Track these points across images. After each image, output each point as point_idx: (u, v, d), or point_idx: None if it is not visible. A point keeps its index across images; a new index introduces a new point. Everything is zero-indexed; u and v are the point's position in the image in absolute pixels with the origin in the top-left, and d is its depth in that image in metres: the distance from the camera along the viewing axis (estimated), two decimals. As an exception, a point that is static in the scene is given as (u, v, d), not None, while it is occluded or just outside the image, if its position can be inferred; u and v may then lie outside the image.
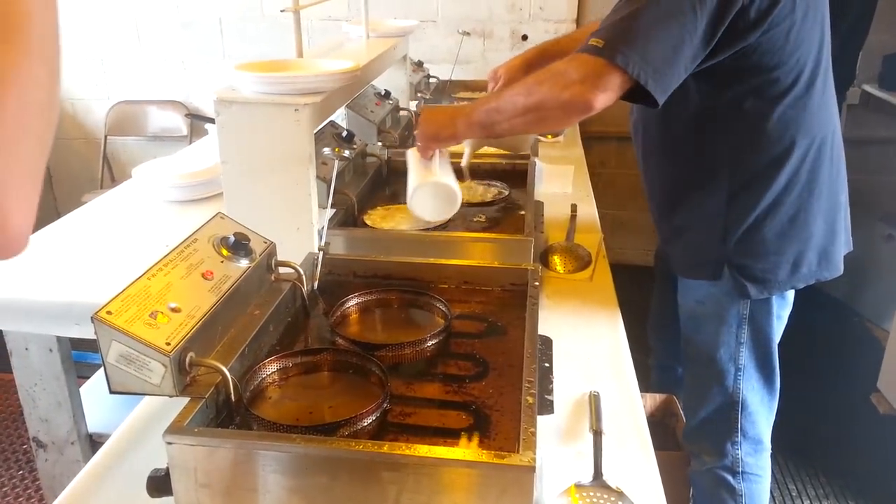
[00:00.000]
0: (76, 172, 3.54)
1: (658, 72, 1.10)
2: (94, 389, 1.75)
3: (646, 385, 1.55)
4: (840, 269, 1.36)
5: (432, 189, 1.30)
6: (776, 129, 1.23)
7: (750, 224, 1.28)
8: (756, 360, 1.38)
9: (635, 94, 1.12)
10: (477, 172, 1.70)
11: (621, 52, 1.09)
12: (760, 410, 1.42)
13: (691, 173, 1.34)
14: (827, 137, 1.29)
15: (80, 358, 1.66)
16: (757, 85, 1.22)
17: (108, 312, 0.75)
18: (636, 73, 1.08)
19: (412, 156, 1.37)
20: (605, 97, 1.11)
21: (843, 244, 1.37)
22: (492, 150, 2.02)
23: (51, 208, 3.57)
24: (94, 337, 0.76)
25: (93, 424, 1.57)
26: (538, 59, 1.69)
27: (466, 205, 1.54)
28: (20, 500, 2.07)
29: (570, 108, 1.13)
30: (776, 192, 1.26)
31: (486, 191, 1.64)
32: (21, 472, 2.16)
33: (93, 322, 0.74)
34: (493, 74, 1.72)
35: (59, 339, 1.45)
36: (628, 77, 1.09)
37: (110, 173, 3.44)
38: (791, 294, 1.37)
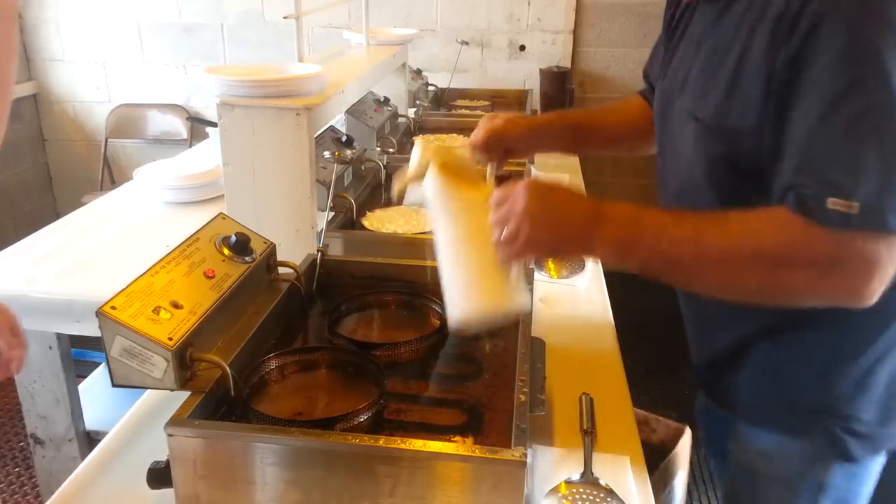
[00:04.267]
0: (76, 174, 3.56)
1: None
2: (92, 387, 1.76)
3: (638, 394, 1.53)
4: None
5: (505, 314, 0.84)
6: None
7: (861, 369, 0.91)
8: None
9: None
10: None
11: (892, 210, 0.70)
12: None
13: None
14: None
15: (78, 356, 1.68)
16: None
17: (113, 307, 0.77)
18: None
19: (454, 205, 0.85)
20: (888, 279, 0.73)
21: None
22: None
23: (50, 209, 3.59)
24: (94, 334, 0.78)
25: (90, 422, 1.59)
26: (552, 131, 1.22)
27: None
28: (16, 496, 2.07)
29: (835, 303, 0.78)
30: None
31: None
32: (17, 469, 2.17)
33: (97, 316, 0.76)
34: (487, 119, 1.14)
35: (58, 336, 1.47)
36: None
37: (110, 175, 3.45)
38: None
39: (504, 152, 1.12)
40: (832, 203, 0.70)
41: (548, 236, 0.80)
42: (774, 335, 0.95)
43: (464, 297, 0.80)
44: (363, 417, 0.81)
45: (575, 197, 0.84)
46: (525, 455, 0.70)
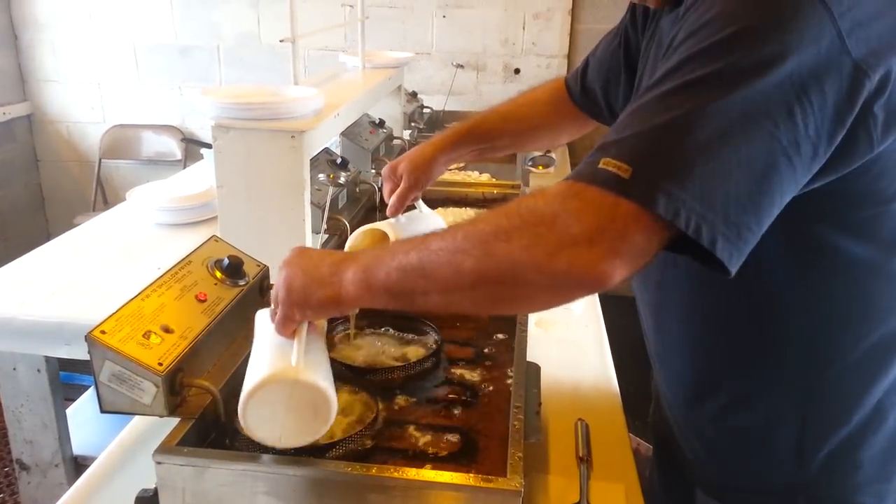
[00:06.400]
0: (69, 194, 3.55)
1: (733, 223, 0.60)
2: (80, 411, 1.74)
3: (634, 419, 1.52)
4: None
5: (288, 391, 0.74)
6: (887, 291, 0.79)
7: (843, 438, 0.82)
8: None
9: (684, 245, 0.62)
10: (467, 200, 1.73)
11: (664, 191, 0.59)
12: None
13: (746, 353, 0.85)
14: None
15: (67, 379, 1.65)
16: (860, 224, 0.75)
17: (102, 332, 0.76)
18: (693, 226, 0.59)
19: (261, 323, 0.84)
20: (629, 267, 0.61)
21: None
22: (483, 178, 2.05)
23: (42, 229, 3.57)
24: (83, 358, 0.76)
25: (78, 447, 1.56)
26: (459, 148, 1.19)
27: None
28: (-1, 524, 2.04)
29: (568, 285, 0.63)
30: (884, 388, 0.81)
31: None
32: (2, 496, 2.13)
33: (86, 341, 0.75)
34: (389, 172, 1.17)
35: (47, 359, 1.45)
36: (675, 231, 0.60)
37: (103, 196, 3.44)
38: None
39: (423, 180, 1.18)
40: (604, 163, 0.62)
41: (301, 279, 0.76)
42: (724, 400, 0.88)
43: (250, 378, 0.75)
44: (356, 444, 0.80)
45: (337, 251, 0.81)
46: (521, 484, 0.69)
